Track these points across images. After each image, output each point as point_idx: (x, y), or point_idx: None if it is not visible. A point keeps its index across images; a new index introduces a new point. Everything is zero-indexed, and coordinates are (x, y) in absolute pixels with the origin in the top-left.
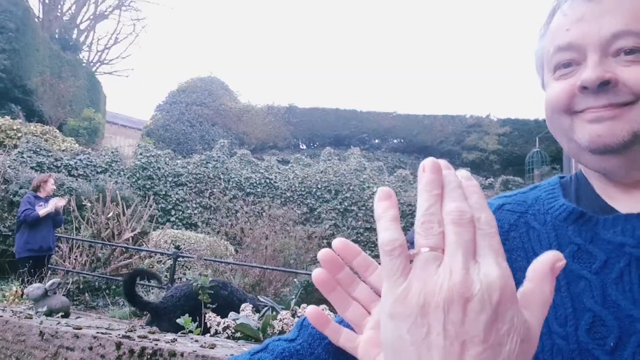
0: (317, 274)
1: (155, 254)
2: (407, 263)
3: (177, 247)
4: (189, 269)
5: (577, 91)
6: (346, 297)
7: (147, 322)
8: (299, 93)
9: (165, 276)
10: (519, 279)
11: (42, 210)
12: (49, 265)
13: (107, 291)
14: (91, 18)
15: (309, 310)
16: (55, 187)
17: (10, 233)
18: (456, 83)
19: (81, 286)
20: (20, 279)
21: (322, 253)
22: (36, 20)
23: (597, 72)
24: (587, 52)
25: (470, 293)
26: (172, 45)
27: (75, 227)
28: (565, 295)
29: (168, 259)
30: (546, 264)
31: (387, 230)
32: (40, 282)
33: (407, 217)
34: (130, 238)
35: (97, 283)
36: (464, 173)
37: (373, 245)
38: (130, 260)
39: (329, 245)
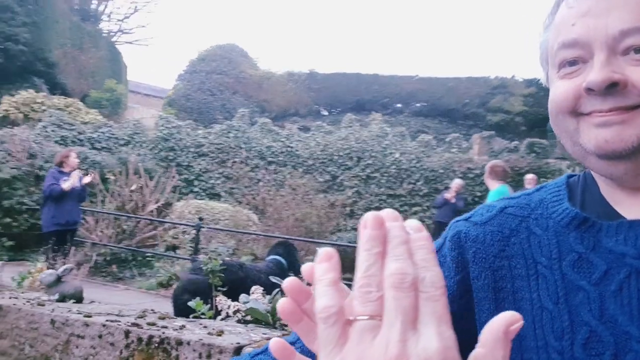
0: (281, 304)
1: (180, 225)
2: (343, 331)
3: (200, 219)
4: (213, 239)
5: (583, 92)
6: (313, 328)
7: (179, 292)
8: (320, 58)
9: (190, 247)
10: (518, 287)
11: (65, 184)
12: (75, 239)
13: (134, 262)
14: None
15: (272, 344)
16: (78, 161)
17: (37, 207)
18: (480, 44)
19: (108, 258)
20: (45, 254)
21: (288, 282)
22: None
23: (604, 73)
24: (593, 50)
25: None
26: (191, 13)
27: (101, 200)
28: (563, 307)
29: (192, 230)
30: (500, 327)
31: (323, 296)
32: (64, 257)
33: (430, 182)
34: (155, 209)
35: (123, 255)
36: (413, 224)
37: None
38: (155, 231)
39: (351, 212)
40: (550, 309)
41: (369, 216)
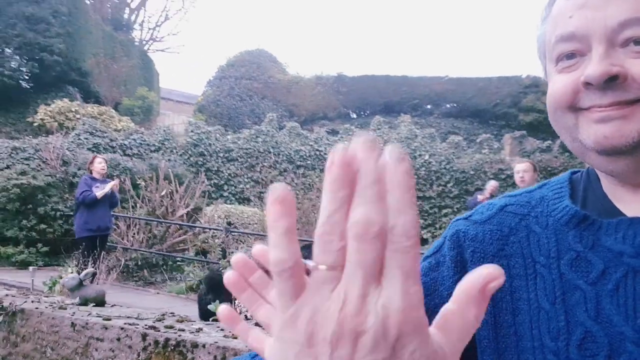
0: (227, 276)
1: (209, 230)
2: (300, 284)
3: (229, 223)
4: (243, 243)
5: (581, 87)
6: (258, 299)
7: (203, 293)
8: (348, 61)
9: (220, 251)
10: (516, 287)
11: (99, 192)
12: (108, 244)
13: (165, 267)
14: None
15: (220, 310)
16: (104, 166)
17: (71, 213)
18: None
19: (139, 263)
20: (76, 259)
21: (235, 258)
22: (87, 2)
23: (602, 66)
24: (591, 43)
25: (363, 328)
26: (221, 20)
27: (132, 205)
28: (559, 307)
29: (222, 234)
30: (476, 283)
31: (276, 247)
32: (94, 262)
33: (460, 184)
34: (185, 214)
35: (154, 259)
36: (394, 152)
37: (427, 215)
38: (185, 236)
39: None
40: (547, 309)
41: (336, 152)
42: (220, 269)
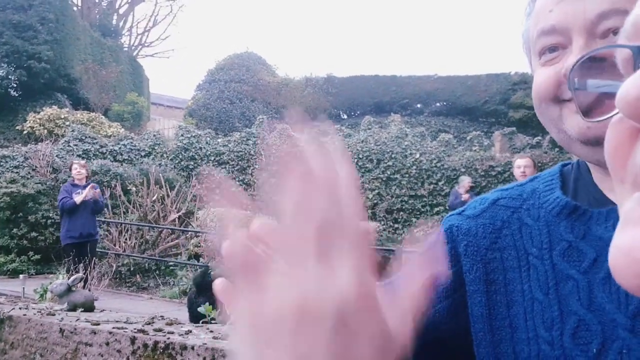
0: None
1: (202, 234)
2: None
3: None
4: None
5: (563, 79)
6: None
7: (193, 296)
8: (337, 62)
9: (212, 254)
10: (509, 279)
11: (77, 198)
12: (100, 250)
13: (157, 272)
14: (129, 2)
15: (217, 283)
16: (79, 171)
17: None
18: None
19: (132, 268)
20: (66, 267)
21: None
22: (75, 9)
23: None
24: (572, 36)
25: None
26: (209, 23)
27: (123, 211)
28: (553, 297)
29: (214, 237)
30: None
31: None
32: (84, 269)
33: (452, 182)
34: (177, 219)
35: (147, 265)
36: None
37: (419, 213)
38: (177, 240)
39: (373, 215)
40: (541, 300)
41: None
42: (209, 271)
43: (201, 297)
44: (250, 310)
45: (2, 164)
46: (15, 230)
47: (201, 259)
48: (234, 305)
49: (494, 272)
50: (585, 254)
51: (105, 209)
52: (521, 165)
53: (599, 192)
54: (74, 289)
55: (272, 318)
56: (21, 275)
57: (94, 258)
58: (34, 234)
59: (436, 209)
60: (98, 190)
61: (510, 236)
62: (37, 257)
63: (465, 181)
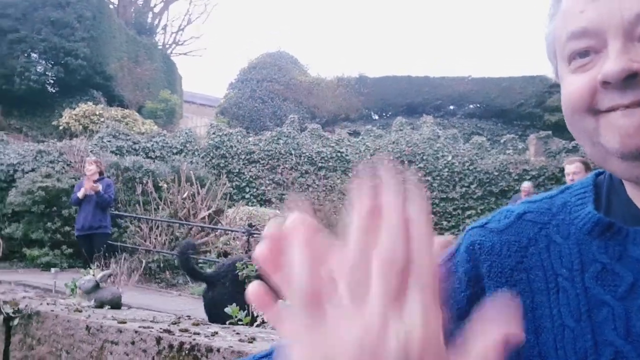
0: (259, 249)
1: (231, 232)
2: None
3: (250, 225)
4: None
5: (598, 86)
6: None
7: (204, 292)
8: (370, 62)
9: (241, 252)
10: (537, 303)
11: (80, 192)
12: (131, 246)
13: None
14: (164, 0)
15: (251, 287)
16: (88, 168)
17: None
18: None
19: (161, 265)
20: (98, 261)
21: (269, 230)
22: (111, 7)
23: (621, 63)
24: (607, 39)
25: (384, 353)
26: (243, 22)
27: (154, 207)
28: (585, 325)
29: (243, 236)
30: (490, 346)
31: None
32: (116, 264)
33: (484, 185)
34: (207, 216)
35: (176, 261)
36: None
37: (450, 216)
38: (206, 238)
39: None
40: (572, 327)
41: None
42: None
43: (210, 291)
44: (308, 341)
45: (38, 158)
46: (49, 224)
47: (230, 257)
48: (288, 330)
49: (521, 296)
50: (621, 277)
51: (137, 205)
52: (569, 172)
53: (634, 207)
54: (102, 285)
55: (332, 353)
56: (52, 269)
57: (103, 252)
58: (67, 228)
59: (467, 213)
60: (98, 185)
61: (538, 255)
62: (70, 250)
63: (526, 186)
